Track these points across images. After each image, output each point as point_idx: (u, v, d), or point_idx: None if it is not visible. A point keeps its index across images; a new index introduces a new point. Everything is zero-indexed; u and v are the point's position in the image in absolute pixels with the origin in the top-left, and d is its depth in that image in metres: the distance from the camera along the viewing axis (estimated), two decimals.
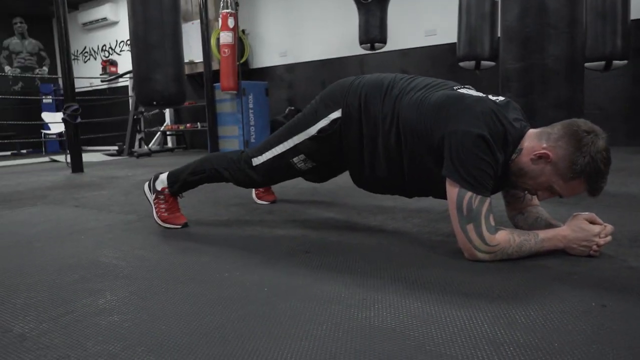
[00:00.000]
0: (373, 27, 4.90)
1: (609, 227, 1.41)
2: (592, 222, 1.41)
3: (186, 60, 6.41)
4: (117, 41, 9.57)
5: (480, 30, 4.19)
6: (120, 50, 9.48)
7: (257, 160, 1.87)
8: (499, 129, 1.40)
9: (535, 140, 1.42)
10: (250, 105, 6.04)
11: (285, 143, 1.81)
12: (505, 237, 1.40)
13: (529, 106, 2.38)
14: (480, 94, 1.52)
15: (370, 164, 1.68)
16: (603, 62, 3.86)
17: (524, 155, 1.43)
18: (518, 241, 1.41)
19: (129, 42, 6.42)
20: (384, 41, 5.03)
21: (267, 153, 1.85)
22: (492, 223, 1.40)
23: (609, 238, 1.40)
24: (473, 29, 4.28)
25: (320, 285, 1.27)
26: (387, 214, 2.15)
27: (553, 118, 2.31)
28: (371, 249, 1.61)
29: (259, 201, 2.52)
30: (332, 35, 6.80)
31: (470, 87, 1.61)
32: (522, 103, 2.42)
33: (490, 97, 1.52)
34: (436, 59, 5.99)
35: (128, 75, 7.85)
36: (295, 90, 7.32)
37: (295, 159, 1.80)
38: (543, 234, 1.44)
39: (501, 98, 1.55)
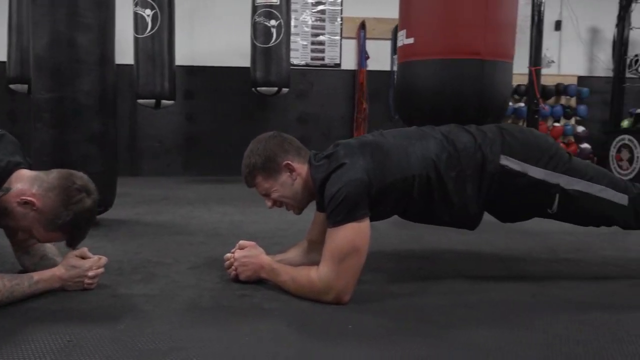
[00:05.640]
0: None
1: (103, 260, 1.52)
2: (84, 257, 1.49)
3: None
4: None
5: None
6: None
7: None
8: None
9: (27, 184, 1.39)
10: None
11: None
12: None
13: (61, 139, 2.36)
14: None
15: None
16: (154, 100, 4.23)
17: (13, 196, 1.38)
18: (9, 286, 1.35)
19: None
20: None
21: None
22: None
23: (99, 270, 1.50)
24: (26, 50, 3.99)
25: None
26: None
27: (86, 152, 2.39)
28: None
29: None
30: None
31: None
32: (55, 135, 2.39)
33: None
34: None
35: None
36: None
37: None
38: (38, 275, 1.44)
39: None
